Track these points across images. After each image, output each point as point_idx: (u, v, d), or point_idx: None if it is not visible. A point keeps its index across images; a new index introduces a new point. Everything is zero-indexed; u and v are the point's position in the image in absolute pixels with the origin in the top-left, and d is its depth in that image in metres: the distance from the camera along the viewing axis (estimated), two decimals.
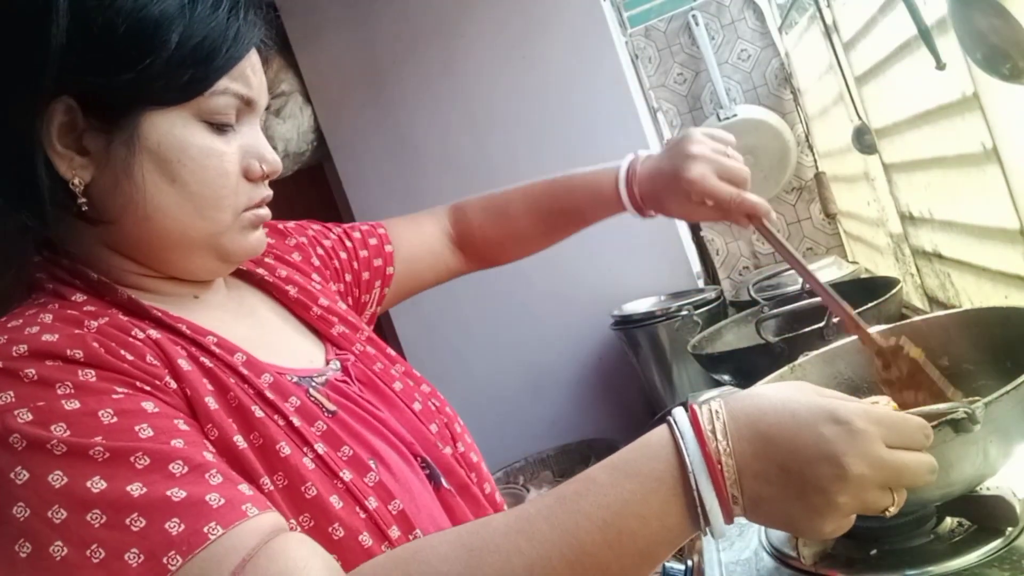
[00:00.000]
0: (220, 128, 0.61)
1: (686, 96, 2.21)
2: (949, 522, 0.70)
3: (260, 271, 0.77)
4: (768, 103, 2.16)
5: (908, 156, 1.30)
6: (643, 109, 1.98)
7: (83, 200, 0.58)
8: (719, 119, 2.14)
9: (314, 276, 0.82)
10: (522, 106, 1.95)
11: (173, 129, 0.59)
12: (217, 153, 0.61)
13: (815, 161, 2.16)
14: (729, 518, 0.49)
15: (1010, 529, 0.65)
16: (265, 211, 0.67)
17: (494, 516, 0.53)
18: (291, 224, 0.88)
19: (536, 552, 0.48)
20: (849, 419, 0.47)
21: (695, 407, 0.51)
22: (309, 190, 2.37)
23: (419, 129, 2.02)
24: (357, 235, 0.93)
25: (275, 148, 2.14)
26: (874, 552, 0.69)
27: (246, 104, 0.63)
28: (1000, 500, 0.67)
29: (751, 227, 0.82)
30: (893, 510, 0.49)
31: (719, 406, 0.50)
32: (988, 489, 0.69)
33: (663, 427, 0.51)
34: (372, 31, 2.01)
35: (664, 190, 0.85)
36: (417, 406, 0.74)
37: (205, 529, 0.47)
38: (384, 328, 2.17)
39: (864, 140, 1.47)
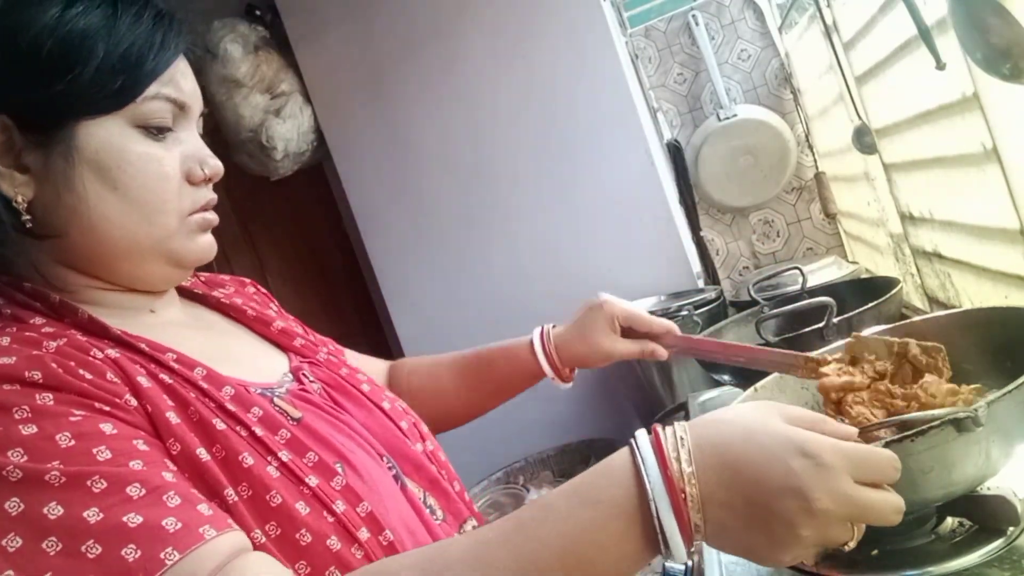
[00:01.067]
0: (157, 134, 0.62)
1: (686, 96, 2.21)
2: (950, 522, 0.70)
3: (216, 294, 0.77)
4: (768, 103, 2.16)
5: (908, 156, 1.30)
6: (643, 109, 1.98)
7: (27, 217, 0.58)
8: (719, 119, 2.14)
9: (272, 305, 0.84)
10: (522, 106, 1.95)
11: (110, 137, 0.59)
12: (156, 158, 0.61)
13: (815, 161, 2.16)
14: (690, 544, 0.48)
15: (1011, 529, 0.65)
16: (212, 215, 0.67)
17: (454, 541, 0.53)
18: (261, 289, 0.90)
19: None
20: (818, 453, 0.47)
21: (658, 431, 0.50)
22: (309, 190, 2.37)
23: (419, 129, 2.02)
24: (321, 337, 0.92)
25: (275, 148, 2.13)
26: (875, 552, 0.69)
27: (180, 109, 0.64)
28: (1001, 500, 0.67)
29: (664, 353, 0.94)
30: (852, 544, 0.49)
31: (683, 432, 0.49)
32: (989, 489, 0.69)
33: (625, 451, 0.50)
34: (372, 31, 2.01)
35: (585, 326, 0.92)
36: (386, 404, 0.75)
37: (162, 555, 0.47)
38: (384, 329, 2.17)
39: (864, 140, 1.47)
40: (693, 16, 2.14)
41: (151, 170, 0.61)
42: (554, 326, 0.95)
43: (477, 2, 1.94)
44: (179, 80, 0.63)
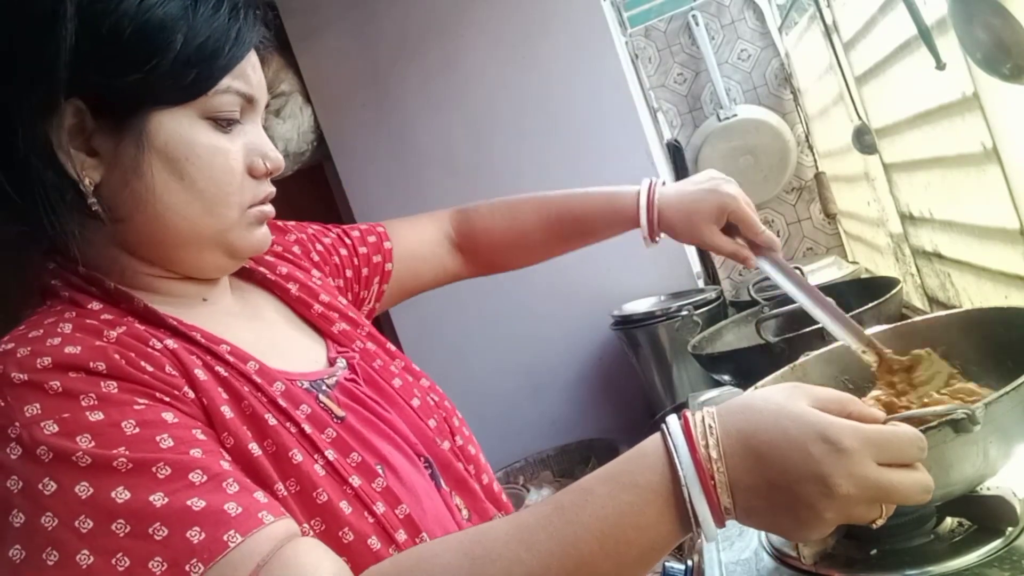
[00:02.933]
0: (225, 126, 0.63)
1: (686, 96, 2.21)
2: (949, 522, 0.70)
3: (261, 269, 0.77)
4: (768, 103, 2.16)
5: (908, 156, 1.30)
6: (643, 109, 1.98)
7: (93, 200, 0.59)
8: (719, 119, 2.14)
9: (314, 272, 0.83)
10: (522, 106, 1.95)
11: (180, 128, 0.60)
12: (223, 151, 0.62)
13: (815, 161, 2.16)
14: (721, 524, 0.50)
15: (1010, 529, 0.65)
16: (269, 208, 0.68)
17: (495, 523, 0.55)
18: (291, 223, 0.89)
19: (536, 562, 0.49)
20: (838, 439, 0.48)
21: (688, 417, 0.52)
22: (309, 190, 2.37)
23: (419, 129, 2.02)
24: (356, 233, 0.94)
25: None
26: (874, 552, 0.69)
27: (248, 102, 0.65)
28: (1000, 500, 0.67)
29: (753, 263, 0.88)
30: (880, 522, 0.49)
31: (712, 420, 0.51)
32: (988, 489, 0.69)
33: (657, 437, 0.52)
34: (372, 31, 2.01)
35: (696, 204, 0.89)
36: (416, 402, 0.75)
37: (225, 537, 0.49)
38: (384, 328, 2.17)
39: (864, 140, 1.47)
40: (693, 16, 2.14)
41: (217, 163, 0.62)
42: (664, 182, 0.93)
43: (477, 2, 1.94)
44: (249, 74, 0.64)
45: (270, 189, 0.68)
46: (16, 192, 0.58)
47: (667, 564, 0.84)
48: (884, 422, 0.51)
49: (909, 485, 0.49)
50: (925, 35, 0.96)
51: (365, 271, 0.92)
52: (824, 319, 0.82)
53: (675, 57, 2.20)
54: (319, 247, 0.88)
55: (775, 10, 2.13)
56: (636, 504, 0.50)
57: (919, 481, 0.49)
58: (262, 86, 0.67)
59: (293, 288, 0.77)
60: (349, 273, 0.90)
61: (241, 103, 0.64)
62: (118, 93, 0.58)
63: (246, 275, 0.77)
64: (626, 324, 1.82)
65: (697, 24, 2.13)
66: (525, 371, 2.05)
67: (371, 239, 0.94)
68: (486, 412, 2.02)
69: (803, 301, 0.84)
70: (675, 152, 2.16)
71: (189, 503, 0.50)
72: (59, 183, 0.58)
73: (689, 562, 0.84)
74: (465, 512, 0.71)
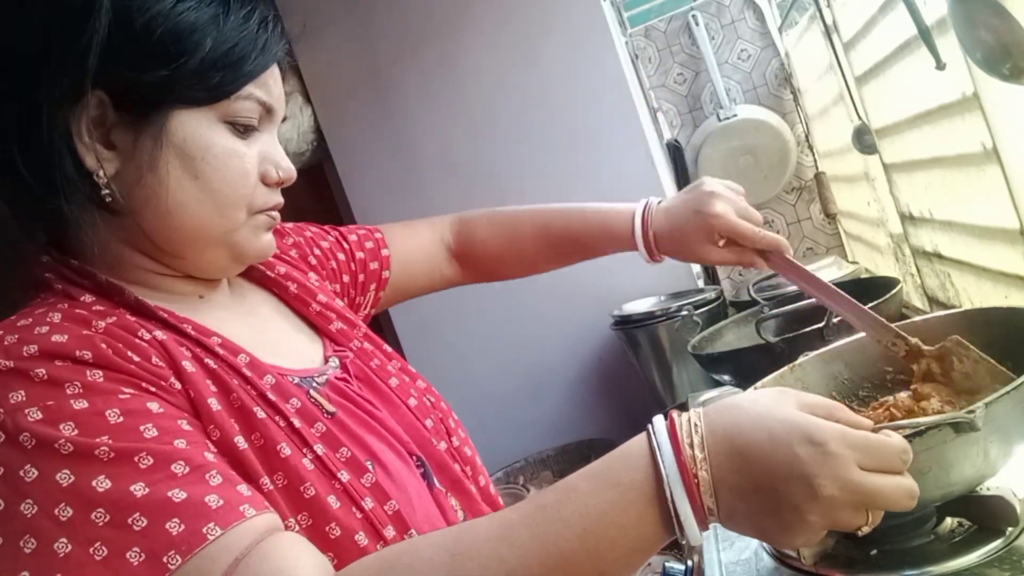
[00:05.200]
0: (242, 132, 0.64)
1: (686, 96, 2.21)
2: (949, 522, 0.70)
3: (259, 267, 0.78)
4: (768, 103, 2.16)
5: (908, 156, 1.30)
6: (643, 109, 1.98)
7: (107, 191, 0.60)
8: (719, 119, 2.14)
9: (311, 275, 0.83)
10: (522, 106, 1.95)
11: (199, 128, 0.61)
12: (239, 154, 0.64)
13: (815, 161, 2.16)
14: (704, 527, 0.50)
15: (1010, 529, 0.65)
16: (277, 216, 0.69)
17: (478, 521, 0.54)
18: (289, 225, 0.90)
19: (516, 559, 0.49)
20: (824, 441, 0.47)
21: (674, 417, 0.51)
22: (309, 190, 2.37)
23: (419, 129, 2.02)
24: (354, 238, 0.94)
25: None
26: (874, 552, 0.69)
27: (267, 112, 0.66)
28: (1000, 500, 0.67)
29: (765, 267, 0.85)
30: (866, 529, 0.49)
31: (698, 418, 0.51)
32: (988, 489, 0.69)
33: (642, 436, 0.52)
34: (372, 31, 2.01)
35: (684, 229, 0.87)
36: (412, 402, 0.75)
37: (204, 529, 0.49)
38: (383, 328, 2.17)
39: (864, 140, 1.47)
40: (693, 16, 2.14)
41: (232, 165, 0.63)
42: (660, 202, 0.91)
43: (477, 2, 1.94)
44: (271, 84, 0.66)
45: (279, 199, 0.69)
46: (32, 176, 0.59)
47: (667, 564, 0.84)
48: (873, 431, 0.51)
49: (894, 490, 0.48)
50: (925, 35, 0.96)
51: (362, 277, 0.92)
52: (846, 315, 0.81)
53: (675, 57, 2.20)
54: (316, 251, 0.88)
55: (775, 10, 2.13)
56: (618, 502, 0.50)
57: (904, 487, 0.49)
58: (281, 99, 0.68)
59: (291, 287, 0.78)
60: (346, 278, 0.90)
61: (260, 111, 0.65)
62: (143, 88, 0.59)
63: (245, 273, 0.77)
64: (626, 324, 1.82)
65: (697, 24, 2.13)
66: (525, 371, 2.04)
67: (368, 244, 0.94)
68: (486, 412, 2.02)
69: (821, 299, 0.83)
70: (675, 152, 2.16)
71: (170, 494, 0.49)
72: (76, 172, 0.59)
73: (689, 562, 0.84)
74: (461, 514, 0.70)
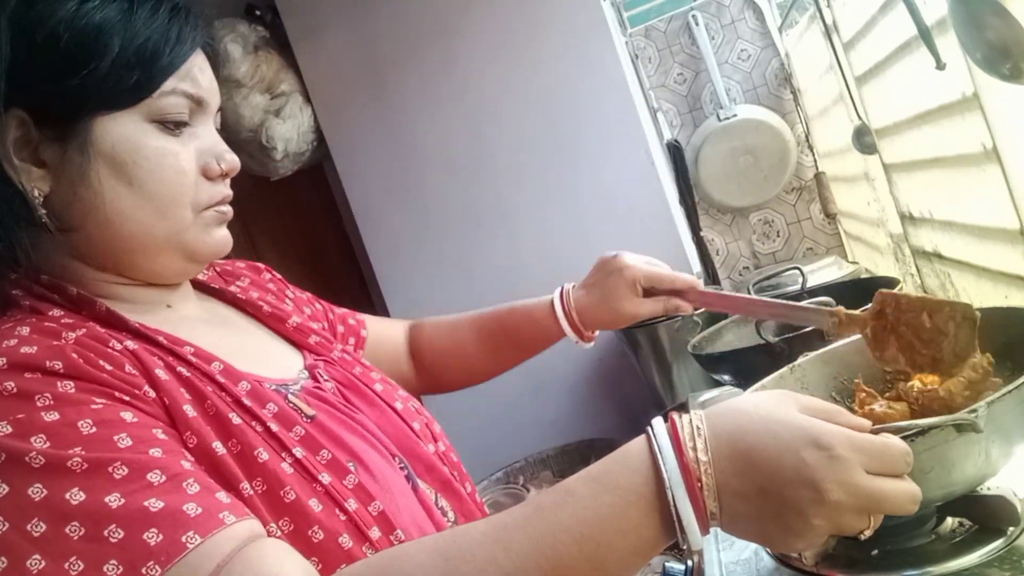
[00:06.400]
0: (173, 128, 0.62)
1: (686, 96, 2.21)
2: (950, 522, 0.70)
3: (232, 289, 0.77)
4: (768, 103, 2.16)
5: (908, 156, 1.30)
6: (643, 109, 1.98)
7: (43, 212, 0.58)
8: (719, 119, 2.14)
9: (287, 302, 0.84)
10: (522, 106, 1.95)
11: (126, 132, 0.59)
12: (172, 152, 0.62)
13: (815, 161, 2.16)
14: (706, 531, 0.49)
15: (1011, 529, 0.65)
16: (227, 209, 0.67)
17: (472, 524, 0.53)
18: (276, 275, 0.90)
19: (512, 563, 0.48)
20: (831, 445, 0.47)
21: (675, 419, 0.51)
22: (309, 190, 2.37)
23: (419, 129, 2.02)
24: (340, 311, 0.95)
25: (275, 148, 2.13)
26: (875, 552, 0.69)
27: (197, 104, 0.64)
28: (1001, 500, 0.67)
29: (689, 308, 0.92)
30: (868, 533, 0.49)
31: (700, 421, 0.50)
32: (989, 489, 0.69)
33: (641, 439, 0.51)
34: (372, 31, 2.01)
35: (605, 290, 0.91)
36: (399, 405, 0.74)
37: (183, 539, 0.48)
38: None
39: (864, 140, 1.47)
40: (693, 16, 2.14)
41: (167, 164, 0.61)
42: (574, 286, 0.94)
43: (477, 2, 1.94)
44: (196, 75, 0.64)
45: (227, 191, 0.67)
46: None
47: (667, 564, 0.84)
48: (872, 433, 0.51)
49: (899, 494, 0.49)
50: (925, 35, 0.96)
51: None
52: (781, 317, 0.85)
53: (675, 57, 2.20)
54: (292, 295, 0.88)
55: (775, 10, 2.13)
56: (617, 506, 0.49)
57: (908, 491, 0.49)
58: (212, 88, 0.66)
59: (265, 307, 0.77)
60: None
61: (189, 105, 0.63)
62: (59, 100, 0.57)
63: (216, 294, 0.77)
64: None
65: (697, 24, 2.13)
66: (525, 371, 2.03)
67: (351, 321, 0.95)
68: (486, 412, 2.02)
69: (749, 313, 0.88)
70: (675, 152, 2.16)
71: (146, 504, 0.48)
72: (6, 194, 0.57)
73: (689, 562, 0.84)
74: (452, 515, 0.70)
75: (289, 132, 2.02)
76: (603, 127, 1.90)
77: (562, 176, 1.94)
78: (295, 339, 0.76)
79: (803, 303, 0.84)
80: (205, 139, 0.65)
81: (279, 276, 0.90)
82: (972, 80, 0.94)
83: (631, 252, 0.92)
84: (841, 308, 0.80)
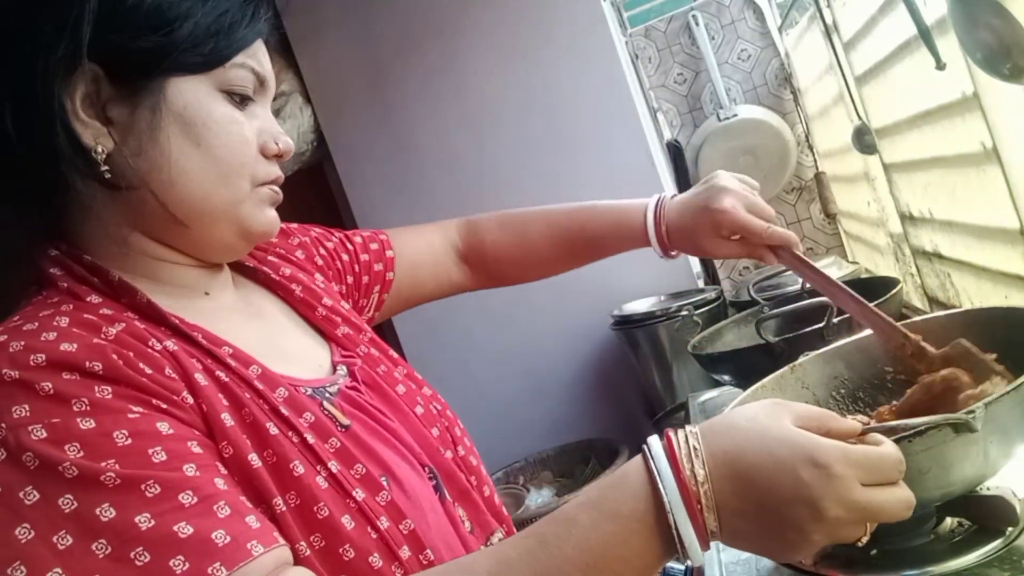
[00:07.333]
0: (239, 102, 0.64)
1: (686, 96, 2.21)
2: (949, 522, 0.70)
3: (264, 269, 0.77)
4: (768, 103, 2.16)
5: (908, 156, 1.30)
6: (643, 109, 1.98)
7: (106, 168, 0.59)
8: (719, 119, 2.14)
9: (317, 276, 0.82)
10: (522, 106, 1.95)
11: (198, 96, 0.61)
12: (238, 121, 0.63)
13: (815, 161, 2.16)
14: (706, 548, 0.50)
15: (1010, 529, 0.65)
16: (279, 191, 0.69)
17: (475, 557, 0.53)
18: (294, 225, 0.89)
19: None
20: (828, 463, 0.47)
21: (671, 438, 0.51)
22: (309, 190, 2.37)
23: (419, 129, 2.02)
24: (358, 240, 0.93)
25: None
26: (874, 552, 0.69)
27: (260, 83, 0.66)
28: (1000, 500, 0.67)
29: (776, 262, 0.85)
30: (865, 539, 0.50)
31: (696, 441, 0.50)
32: (988, 489, 0.69)
33: (638, 461, 0.51)
34: (372, 31, 2.01)
35: (693, 224, 0.87)
36: (419, 410, 0.73)
37: (210, 570, 0.47)
38: (384, 327, 2.17)
39: (864, 140, 1.47)
40: (693, 16, 2.14)
41: (233, 131, 0.62)
42: (672, 196, 0.92)
43: (477, 2, 1.94)
44: (261, 57, 0.66)
45: (280, 173, 0.68)
46: (29, 155, 0.57)
47: (667, 564, 0.84)
48: (861, 433, 0.52)
49: (894, 503, 0.49)
50: (925, 35, 0.96)
51: (366, 279, 0.91)
52: (854, 313, 0.81)
53: (675, 57, 2.20)
54: (322, 251, 0.87)
55: (775, 10, 2.13)
56: (620, 534, 0.49)
57: (902, 499, 0.50)
58: (272, 75, 0.68)
59: (297, 289, 0.76)
60: (350, 280, 0.89)
61: (254, 82, 0.65)
62: (138, 56, 0.58)
63: (250, 274, 0.76)
64: (626, 324, 1.82)
65: (697, 24, 2.13)
66: (525, 371, 2.04)
67: (373, 247, 0.94)
68: (486, 412, 2.02)
69: (829, 295, 0.84)
70: (675, 152, 2.16)
71: (175, 528, 0.47)
72: (72, 150, 0.57)
73: (689, 562, 0.84)
74: (468, 524, 0.69)
75: (289, 132, 2.02)
76: (603, 127, 1.90)
77: (562, 176, 1.94)
78: (323, 329, 0.76)
79: (878, 312, 0.81)
80: (264, 119, 0.67)
81: (309, 235, 0.88)
82: (972, 80, 0.94)
83: (735, 183, 0.87)
84: (919, 338, 0.78)
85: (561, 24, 1.90)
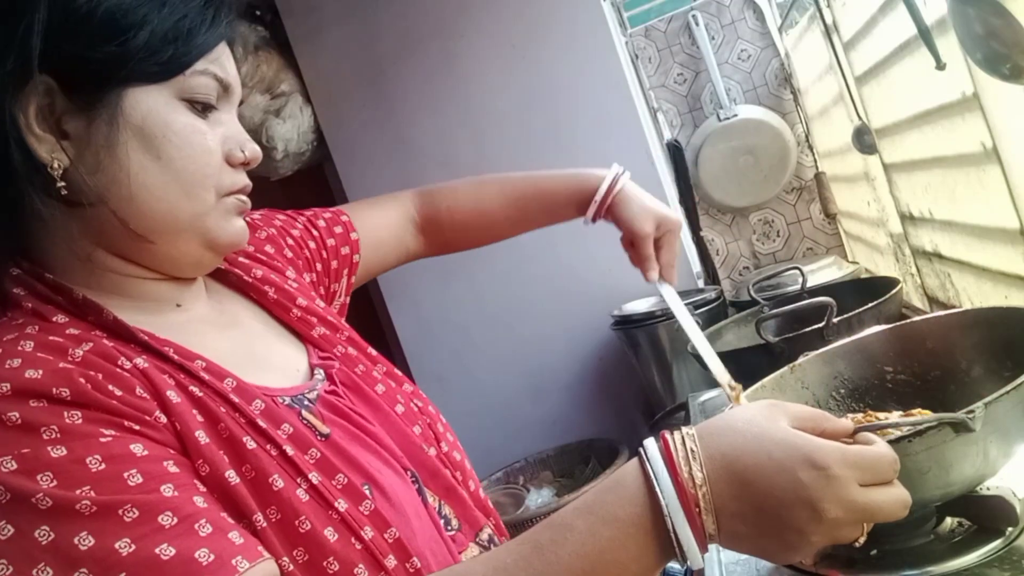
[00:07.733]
0: (201, 110, 0.61)
1: (686, 96, 2.21)
2: (949, 522, 0.70)
3: (236, 271, 0.75)
4: (768, 103, 2.16)
5: (908, 156, 1.30)
6: (643, 109, 1.98)
7: (62, 184, 0.56)
8: (719, 119, 2.14)
9: (288, 272, 0.80)
10: (522, 106, 1.95)
11: (157, 106, 0.58)
12: (200, 131, 0.61)
13: (815, 161, 2.16)
14: (705, 550, 0.50)
15: (1010, 529, 0.65)
16: (246, 200, 0.66)
17: (470, 565, 0.53)
18: (257, 215, 0.86)
19: None
20: (826, 465, 0.47)
21: (668, 440, 0.50)
22: (309, 190, 2.37)
23: (419, 129, 2.02)
24: (322, 223, 0.91)
25: (275, 148, 2.12)
26: (874, 552, 0.69)
27: (224, 89, 0.63)
28: (1000, 500, 0.67)
29: (651, 280, 0.96)
30: (862, 540, 0.50)
31: (693, 443, 0.50)
32: (988, 489, 0.69)
33: (634, 464, 0.51)
34: (372, 31, 2.01)
35: (648, 203, 0.95)
36: (400, 408, 0.72)
37: None
38: (384, 328, 2.17)
39: (864, 140, 1.47)
40: (693, 16, 2.14)
41: (195, 142, 0.60)
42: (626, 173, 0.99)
43: (477, 2, 1.94)
44: (224, 62, 0.63)
45: (247, 181, 0.66)
46: None
47: (667, 564, 0.84)
48: (854, 432, 0.52)
49: (891, 503, 0.49)
50: (925, 35, 0.96)
51: (335, 264, 0.90)
52: (703, 349, 0.87)
53: (675, 57, 2.20)
54: (290, 240, 0.85)
55: (775, 10, 2.13)
56: (617, 539, 0.49)
57: (899, 498, 0.50)
58: (237, 78, 0.66)
59: (270, 291, 0.74)
60: (319, 267, 0.88)
61: (217, 89, 0.62)
62: (93, 67, 0.56)
63: (221, 277, 0.75)
64: (626, 324, 1.82)
65: (697, 24, 2.13)
66: (525, 371, 2.04)
67: (337, 229, 0.92)
68: (486, 412, 2.02)
69: (688, 327, 0.91)
70: (675, 152, 2.16)
71: (157, 551, 0.46)
72: (27, 166, 0.55)
73: (688, 564, 0.84)
74: (455, 522, 0.69)
75: (289, 132, 2.02)
76: (603, 127, 1.90)
77: None
78: (299, 330, 0.74)
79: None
80: (229, 126, 0.64)
81: (273, 224, 0.86)
82: (972, 80, 0.94)
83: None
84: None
85: (561, 24, 1.90)
